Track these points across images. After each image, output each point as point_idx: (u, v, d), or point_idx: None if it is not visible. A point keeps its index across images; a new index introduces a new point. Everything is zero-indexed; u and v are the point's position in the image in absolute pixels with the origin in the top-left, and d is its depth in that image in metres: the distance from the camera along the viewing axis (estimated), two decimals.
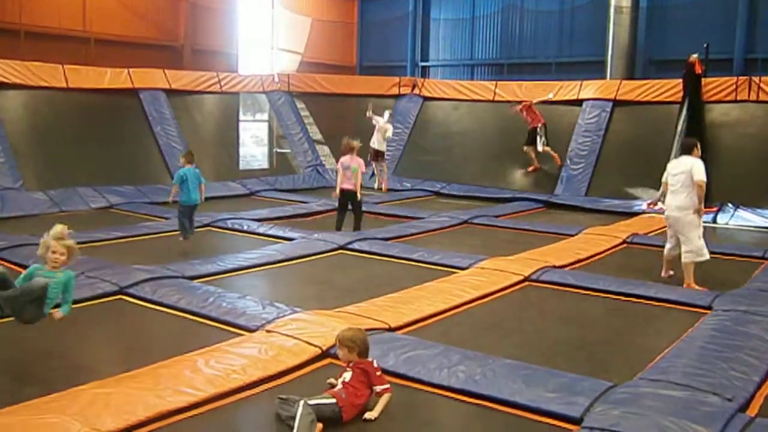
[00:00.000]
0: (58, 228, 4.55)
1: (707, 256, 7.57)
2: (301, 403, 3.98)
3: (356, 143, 10.41)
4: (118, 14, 15.72)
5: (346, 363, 4.44)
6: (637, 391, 4.38)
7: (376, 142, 15.14)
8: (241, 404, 4.39)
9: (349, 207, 10.37)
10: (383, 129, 15.14)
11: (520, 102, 14.94)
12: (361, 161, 10.27)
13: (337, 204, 10.58)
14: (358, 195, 10.26)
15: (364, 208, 12.25)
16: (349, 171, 10.11)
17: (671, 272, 7.98)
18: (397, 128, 16.97)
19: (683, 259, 7.59)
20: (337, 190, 10.28)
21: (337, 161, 10.85)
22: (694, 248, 7.51)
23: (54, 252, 4.46)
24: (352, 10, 22.34)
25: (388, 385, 4.37)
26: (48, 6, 14.53)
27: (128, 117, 13.94)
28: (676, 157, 12.52)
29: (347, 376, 4.34)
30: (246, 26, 18.90)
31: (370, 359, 4.46)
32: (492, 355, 5.07)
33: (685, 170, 7.49)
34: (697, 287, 7.44)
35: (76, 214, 11.33)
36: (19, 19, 14.02)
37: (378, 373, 4.38)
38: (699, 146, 7.80)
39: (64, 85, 13.13)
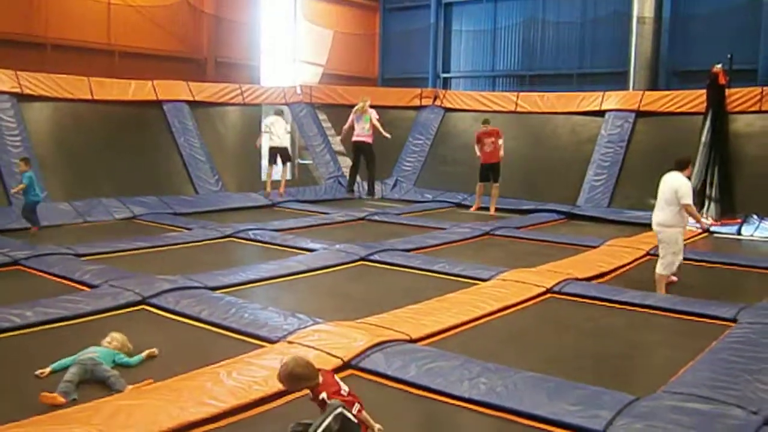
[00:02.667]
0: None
1: (674, 275, 7.69)
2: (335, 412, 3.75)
3: (364, 104, 12.62)
4: (143, 27, 15.92)
5: (311, 398, 3.94)
6: (661, 405, 4.34)
7: (278, 138, 14.19)
8: (264, 416, 4.40)
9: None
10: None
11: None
12: (373, 111, 11.81)
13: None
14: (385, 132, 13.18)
15: (384, 219, 12.41)
16: (362, 122, 11.27)
17: (674, 278, 7.97)
18: (419, 139, 17.01)
19: (656, 270, 7.71)
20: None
21: None
22: (665, 262, 7.64)
23: (109, 342, 5.20)
24: (374, 22, 22.44)
25: (358, 406, 3.92)
26: (73, 20, 14.76)
27: (152, 128, 14.09)
28: (699, 169, 12.67)
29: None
30: (268, 39, 19.06)
31: (320, 383, 3.92)
32: (513, 367, 5.05)
33: (670, 189, 7.60)
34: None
35: (101, 224, 11.46)
36: (45, 32, 14.24)
37: (342, 393, 3.91)
38: (692, 165, 8.03)
39: (89, 97, 13.30)
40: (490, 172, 13.74)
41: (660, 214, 7.69)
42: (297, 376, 3.87)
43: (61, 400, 4.40)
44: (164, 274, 7.45)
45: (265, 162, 14.70)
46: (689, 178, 7.80)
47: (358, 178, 15.06)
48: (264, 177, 14.65)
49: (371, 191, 13.39)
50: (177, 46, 16.76)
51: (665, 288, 7.67)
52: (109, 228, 11.15)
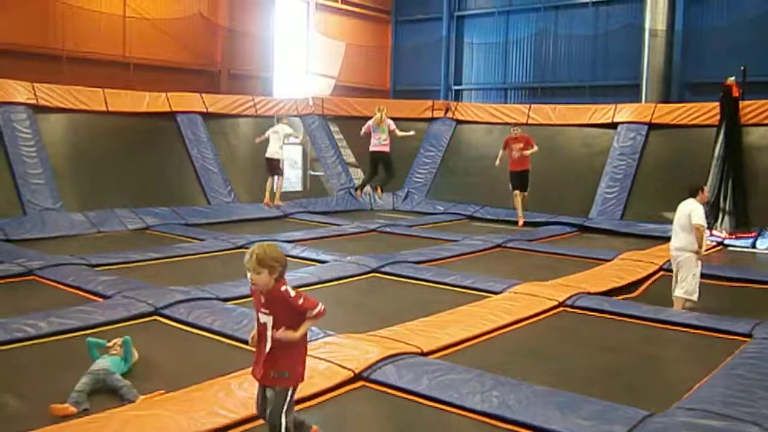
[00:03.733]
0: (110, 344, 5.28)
1: (695, 299, 7.54)
2: None
3: (381, 115, 12.43)
4: (157, 40, 16.04)
5: (259, 294, 3.70)
6: (674, 421, 4.29)
7: (271, 149, 14.07)
8: None
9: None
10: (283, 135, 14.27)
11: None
12: (390, 121, 11.82)
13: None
14: (408, 132, 12.91)
15: (396, 231, 12.39)
16: (379, 133, 11.17)
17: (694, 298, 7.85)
18: (430, 151, 17.01)
19: (674, 293, 7.64)
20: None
21: None
22: (687, 288, 7.56)
23: (110, 347, 5.22)
24: (386, 35, 22.51)
25: (321, 306, 3.72)
26: (89, 32, 14.88)
27: (166, 140, 14.17)
28: (713, 182, 12.61)
29: (268, 325, 3.68)
30: (281, 51, 19.15)
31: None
32: (526, 381, 5.01)
33: (685, 215, 7.60)
34: None
35: (114, 234, 11.50)
36: (61, 44, 14.37)
37: (299, 298, 3.67)
38: (705, 190, 8.00)
39: (104, 108, 13.39)
40: (517, 180, 13.35)
41: (677, 241, 7.72)
42: (272, 258, 3.61)
43: (72, 410, 4.40)
44: (177, 285, 7.46)
45: (292, 171, 14.80)
46: (706, 203, 7.79)
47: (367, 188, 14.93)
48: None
49: (382, 186, 13.23)
50: (191, 58, 16.87)
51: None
52: (123, 238, 11.19)
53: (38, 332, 5.90)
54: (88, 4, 14.77)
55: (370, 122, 12.90)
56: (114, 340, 5.30)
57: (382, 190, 13.48)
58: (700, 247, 7.55)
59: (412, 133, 13.33)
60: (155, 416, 4.22)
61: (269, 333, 3.68)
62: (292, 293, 3.68)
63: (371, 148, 13.06)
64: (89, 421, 4.17)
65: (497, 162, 13.24)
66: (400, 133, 12.85)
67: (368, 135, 13.48)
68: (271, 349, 3.70)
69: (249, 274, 3.66)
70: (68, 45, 14.49)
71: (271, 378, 3.74)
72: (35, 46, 14.00)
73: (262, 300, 3.72)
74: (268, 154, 14.05)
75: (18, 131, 12.06)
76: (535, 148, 13.17)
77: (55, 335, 5.94)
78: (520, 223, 13.38)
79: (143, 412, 4.29)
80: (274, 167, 14.11)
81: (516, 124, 13.62)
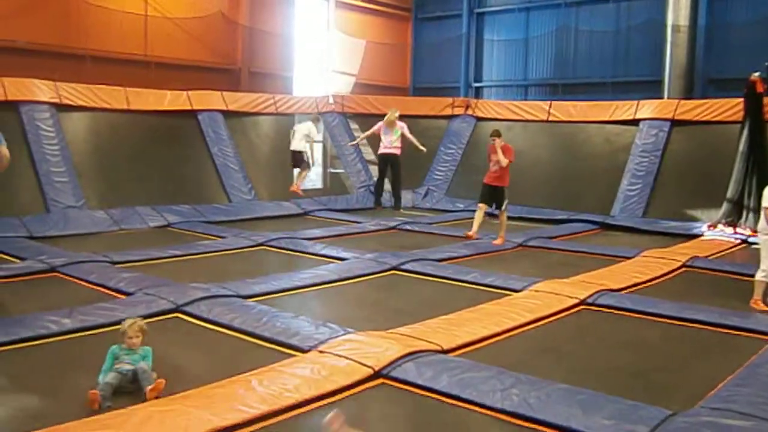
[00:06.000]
0: (128, 322, 5.05)
1: None
2: None
3: (394, 116, 11.45)
4: (179, 39, 16.11)
5: None
6: (698, 420, 4.24)
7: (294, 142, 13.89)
8: (295, 421, 4.41)
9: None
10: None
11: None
12: (403, 124, 10.87)
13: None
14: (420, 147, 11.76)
15: (416, 228, 12.33)
16: (390, 135, 10.59)
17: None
18: (450, 148, 16.96)
19: (756, 276, 7.51)
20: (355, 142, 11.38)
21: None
22: (764, 267, 7.41)
23: (130, 337, 4.95)
24: (406, 33, 22.47)
25: None
26: (112, 31, 14.98)
27: (187, 138, 14.25)
28: (737, 179, 12.47)
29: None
30: (301, 49, 19.17)
31: None
32: (546, 379, 4.98)
33: (764, 196, 7.44)
34: (762, 306, 7.34)
35: (135, 232, 11.59)
36: (84, 44, 14.46)
37: None
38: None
39: (125, 107, 13.48)
40: (489, 196, 11.08)
41: (759, 224, 7.61)
42: None
43: (95, 407, 4.44)
44: (197, 282, 7.50)
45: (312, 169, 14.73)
46: None
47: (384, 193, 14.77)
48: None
49: (398, 204, 12.32)
50: (212, 57, 16.93)
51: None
52: (144, 236, 11.27)
53: (61, 329, 5.95)
54: (110, 4, 14.86)
55: (381, 123, 12.18)
56: (127, 324, 4.99)
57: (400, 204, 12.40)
58: None
59: (423, 149, 12.31)
60: (176, 412, 4.24)
61: None
62: None
63: (381, 150, 12.27)
64: (111, 417, 4.19)
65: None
66: (412, 138, 11.69)
67: (376, 136, 12.90)
68: None
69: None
70: (91, 44, 14.59)
71: None
72: (58, 46, 14.11)
73: None
74: (292, 147, 14.05)
75: (41, 130, 12.18)
76: (504, 161, 10.76)
77: (78, 332, 5.99)
78: (499, 241, 11.03)
79: (165, 408, 4.31)
80: (298, 159, 14.09)
81: (494, 134, 10.99)
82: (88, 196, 12.19)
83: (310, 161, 14.10)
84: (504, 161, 10.71)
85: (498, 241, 10.94)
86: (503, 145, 10.82)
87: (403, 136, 12.60)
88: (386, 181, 14.08)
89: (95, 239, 10.86)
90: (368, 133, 12.58)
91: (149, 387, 4.64)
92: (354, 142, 12.65)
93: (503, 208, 10.93)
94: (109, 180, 12.73)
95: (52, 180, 11.87)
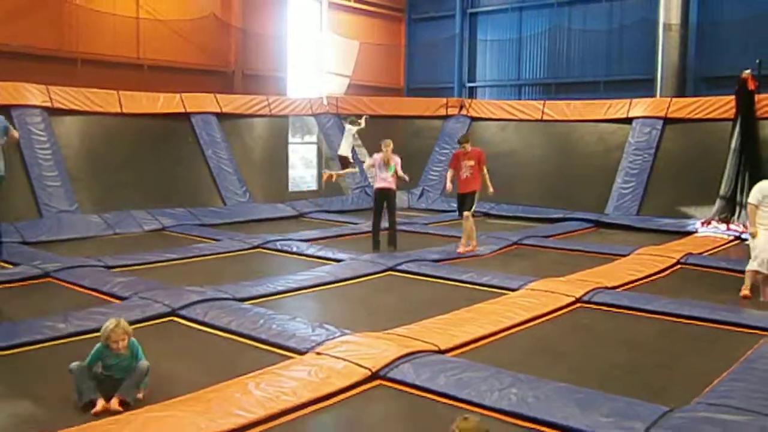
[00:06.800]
0: (110, 325, 4.76)
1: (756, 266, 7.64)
2: None
3: (387, 147, 10.52)
4: (171, 41, 16.07)
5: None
6: (695, 416, 4.24)
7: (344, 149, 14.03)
8: (293, 425, 4.39)
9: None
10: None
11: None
12: (397, 159, 10.55)
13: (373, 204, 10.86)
14: (406, 178, 10.70)
15: (411, 229, 12.30)
16: (384, 170, 10.30)
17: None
18: (445, 149, 16.95)
19: (747, 267, 7.75)
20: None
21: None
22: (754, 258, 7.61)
23: (115, 342, 4.71)
24: (400, 33, 22.48)
25: None
26: (104, 34, 14.94)
27: (180, 141, 14.21)
28: (729, 176, 12.53)
29: None
30: (295, 51, 19.15)
31: None
32: (544, 378, 4.98)
33: None
34: (746, 293, 7.57)
35: (130, 236, 11.55)
36: (76, 47, 14.43)
37: None
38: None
39: (118, 110, 13.44)
40: (463, 203, 10.60)
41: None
42: None
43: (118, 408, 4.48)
44: (193, 286, 7.48)
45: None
46: None
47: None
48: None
49: (394, 243, 11.01)
50: (205, 59, 16.90)
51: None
52: (138, 240, 11.24)
53: (56, 334, 5.93)
54: (101, 6, 14.83)
55: (377, 158, 10.92)
56: (110, 328, 4.74)
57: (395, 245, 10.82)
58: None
59: (407, 179, 11.09)
60: (173, 417, 4.23)
61: None
62: None
63: (377, 185, 10.78)
64: (109, 423, 4.18)
65: (448, 185, 10.77)
66: (403, 174, 10.89)
67: (372, 167, 11.42)
68: None
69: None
70: (83, 47, 14.55)
71: None
72: (50, 49, 14.07)
73: None
74: (339, 152, 14.12)
75: (33, 134, 12.14)
76: (485, 171, 10.67)
77: (73, 336, 5.96)
78: (462, 249, 10.42)
79: (162, 413, 4.30)
80: (345, 164, 14.16)
81: (463, 140, 10.85)
82: (82, 200, 12.15)
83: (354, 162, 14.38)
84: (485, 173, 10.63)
85: (462, 249, 10.35)
86: (476, 150, 10.71)
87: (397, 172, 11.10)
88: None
89: (89, 244, 10.83)
90: (368, 163, 11.66)
91: (139, 394, 4.62)
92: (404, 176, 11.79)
93: (470, 210, 10.40)
94: (103, 184, 12.69)
95: (45, 184, 11.83)
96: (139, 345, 4.88)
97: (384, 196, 10.53)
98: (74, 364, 4.67)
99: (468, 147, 10.63)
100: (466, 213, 10.42)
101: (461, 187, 10.65)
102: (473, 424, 3.33)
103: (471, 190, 10.54)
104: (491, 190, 10.71)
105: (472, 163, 10.54)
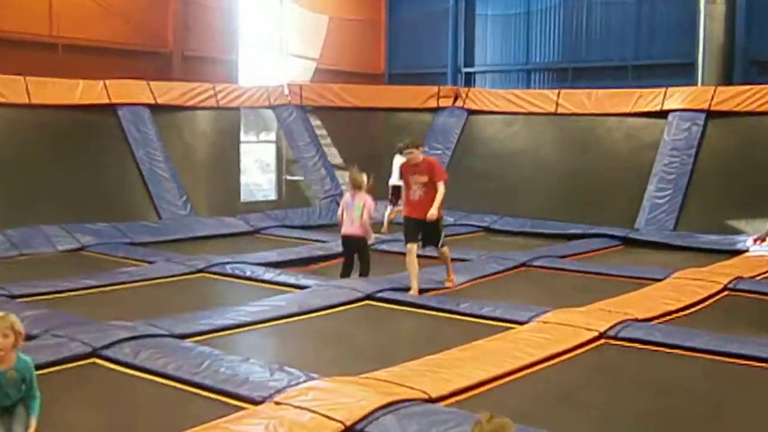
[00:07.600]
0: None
1: None
2: None
3: (364, 178, 9.92)
4: (93, 15, 16.04)
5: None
6: None
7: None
8: None
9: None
10: None
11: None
12: (368, 198, 9.85)
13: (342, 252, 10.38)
14: (370, 238, 10.16)
15: (394, 249, 12.27)
16: (352, 211, 9.82)
17: None
18: (436, 149, 16.99)
19: None
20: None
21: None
22: None
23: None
24: (379, 6, 22.60)
25: None
26: (8, 7, 14.87)
27: (104, 139, 14.16)
28: None
29: None
30: (249, 28, 19.19)
31: None
32: None
33: None
34: None
35: (40, 257, 11.47)
36: None
37: None
38: None
39: (25, 101, 13.37)
40: (415, 230, 9.54)
41: None
42: None
43: None
44: (120, 320, 7.42)
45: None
46: None
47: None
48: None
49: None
50: (135, 37, 16.88)
51: None
52: (52, 262, 11.18)
53: None
54: None
55: (346, 194, 10.22)
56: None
57: None
58: None
59: (373, 239, 10.72)
60: None
61: None
62: None
63: (342, 231, 10.16)
64: None
65: (385, 223, 10.23)
66: (367, 224, 10.02)
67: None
68: None
69: None
70: None
71: None
72: None
73: None
74: (391, 182, 14.15)
75: None
76: (442, 188, 9.34)
77: None
78: (451, 281, 9.97)
79: None
80: (398, 196, 14.00)
81: (410, 145, 9.46)
82: None
83: None
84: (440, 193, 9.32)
85: (451, 281, 9.95)
86: (428, 160, 9.66)
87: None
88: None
89: None
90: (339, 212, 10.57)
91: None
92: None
93: (439, 245, 9.72)
94: (6, 192, 12.58)
95: None
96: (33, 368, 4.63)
97: (352, 246, 10.03)
98: None
99: (416, 156, 9.39)
100: (442, 249, 9.75)
101: (410, 210, 9.57)
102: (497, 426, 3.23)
103: (426, 216, 9.20)
104: (435, 213, 9.28)
105: (424, 179, 9.33)
